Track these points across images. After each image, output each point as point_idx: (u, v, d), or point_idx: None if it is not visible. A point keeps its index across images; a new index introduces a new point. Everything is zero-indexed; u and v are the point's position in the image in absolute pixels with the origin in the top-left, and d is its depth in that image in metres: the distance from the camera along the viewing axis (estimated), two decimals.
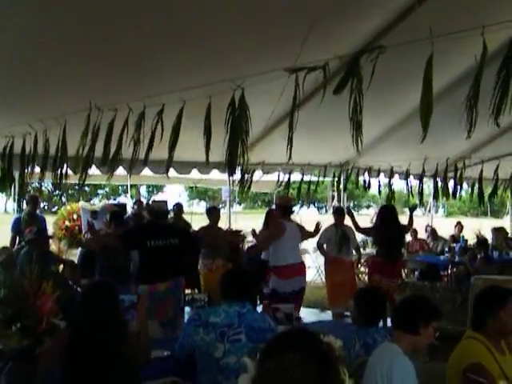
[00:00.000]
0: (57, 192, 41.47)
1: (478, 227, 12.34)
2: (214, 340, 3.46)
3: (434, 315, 3.18)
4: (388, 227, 7.88)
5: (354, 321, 4.23)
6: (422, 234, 13.06)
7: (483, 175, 10.55)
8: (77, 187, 32.24)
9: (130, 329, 3.56)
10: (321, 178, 10.78)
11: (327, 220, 9.17)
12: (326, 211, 31.90)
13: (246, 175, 8.10)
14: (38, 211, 9.12)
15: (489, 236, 11.84)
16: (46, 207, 39.25)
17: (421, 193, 11.27)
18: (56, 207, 34.81)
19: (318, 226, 8.00)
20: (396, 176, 11.20)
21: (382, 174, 11.21)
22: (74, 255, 10.17)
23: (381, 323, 4.24)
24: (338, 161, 10.61)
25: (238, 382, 1.87)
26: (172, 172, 6.94)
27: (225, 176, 10.13)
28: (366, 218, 15.18)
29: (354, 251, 8.90)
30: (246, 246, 10.09)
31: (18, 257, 6.99)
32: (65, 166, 6.08)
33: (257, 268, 7.38)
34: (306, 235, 7.78)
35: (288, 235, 6.98)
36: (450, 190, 10.86)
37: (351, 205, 48.32)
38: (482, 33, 3.52)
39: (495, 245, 11.48)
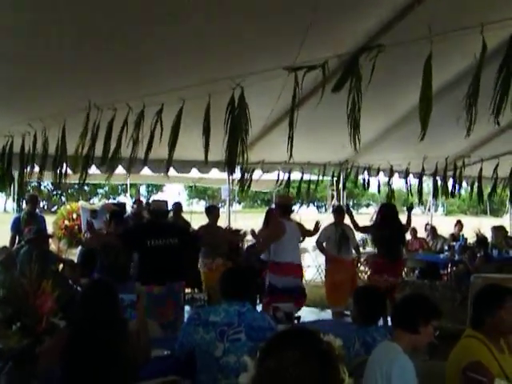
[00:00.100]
0: (56, 191, 41.45)
1: (478, 226, 12.34)
2: (213, 339, 3.47)
3: (434, 314, 3.18)
4: (388, 226, 7.89)
5: (354, 320, 4.23)
6: (421, 233, 13.07)
7: (483, 174, 10.56)
8: (76, 186, 32.28)
9: (129, 328, 3.56)
10: (320, 177, 10.78)
11: (327, 219, 9.17)
12: (326, 210, 31.93)
13: (245, 174, 8.11)
14: (37, 211, 9.12)
15: (488, 234, 11.84)
16: (45, 207, 39.26)
17: (420, 191, 11.27)
18: (55, 207, 34.82)
19: (317, 224, 8.00)
20: (396, 175, 11.20)
21: (381, 173, 11.21)
22: (74, 254, 10.18)
23: (381, 322, 4.24)
24: (338, 160, 10.60)
25: (239, 381, 1.87)
26: (171, 171, 6.94)
27: (224, 175, 10.13)
28: (366, 216, 15.19)
29: (353, 250, 8.90)
30: (246, 245, 10.08)
31: (17, 256, 7.00)
32: (64, 165, 6.08)
33: (255, 266, 7.39)
34: (306, 234, 7.80)
35: (288, 235, 6.98)
36: (450, 189, 10.86)
37: (351, 204, 48.48)
38: (481, 31, 3.52)
39: (495, 243, 11.48)
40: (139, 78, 5.49)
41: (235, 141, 4.61)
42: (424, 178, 11.35)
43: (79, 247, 9.56)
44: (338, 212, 8.82)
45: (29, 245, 7.03)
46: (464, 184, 11.91)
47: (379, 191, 12.36)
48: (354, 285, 8.21)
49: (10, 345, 3.16)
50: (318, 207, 48.04)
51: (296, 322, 5.16)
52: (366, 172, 10.97)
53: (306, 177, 10.55)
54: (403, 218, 8.52)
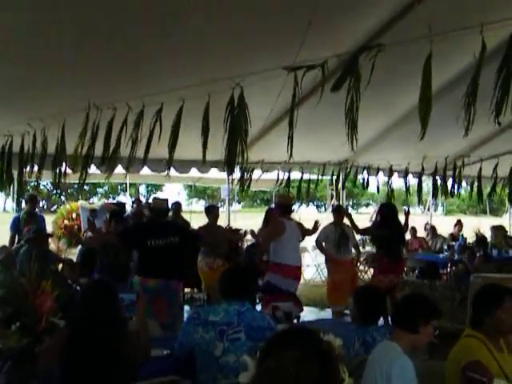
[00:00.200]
0: (56, 191, 41.44)
1: (477, 225, 12.35)
2: (213, 338, 3.47)
3: (434, 314, 3.19)
4: (388, 226, 7.88)
5: (354, 319, 4.23)
6: (421, 233, 13.07)
7: (482, 173, 10.56)
8: (76, 186, 32.29)
9: (129, 327, 3.56)
10: (320, 177, 10.78)
11: (326, 218, 9.18)
12: (325, 210, 31.95)
13: (245, 174, 8.11)
14: (36, 210, 9.13)
15: (488, 234, 11.85)
16: (45, 206, 39.26)
17: (419, 191, 11.26)
18: (55, 206, 34.85)
19: (316, 224, 8.01)
20: (395, 174, 11.19)
21: (380, 173, 11.21)
22: (73, 254, 10.18)
23: (381, 321, 4.25)
24: (337, 159, 10.60)
25: (239, 380, 1.87)
26: (171, 170, 6.93)
27: (224, 175, 10.13)
28: (366, 216, 15.20)
29: (353, 250, 8.90)
30: (245, 244, 10.09)
31: (17, 256, 7.00)
32: (63, 164, 6.08)
33: (259, 267, 7.39)
34: (305, 233, 7.80)
35: (288, 234, 7.00)
36: (449, 189, 10.85)
37: (350, 203, 48.53)
38: (480, 31, 3.52)
39: (494, 243, 11.49)
40: (139, 77, 5.48)
41: (235, 140, 4.61)
42: (423, 177, 11.35)
43: (79, 247, 9.57)
44: (338, 211, 8.82)
45: (28, 244, 7.03)
46: (464, 184, 11.91)
47: (378, 191, 12.37)
48: (353, 284, 8.22)
49: (10, 344, 3.16)
50: (317, 207, 48.07)
51: (295, 321, 5.16)
52: (365, 171, 10.97)
53: (306, 176, 10.55)
54: (403, 218, 8.51)
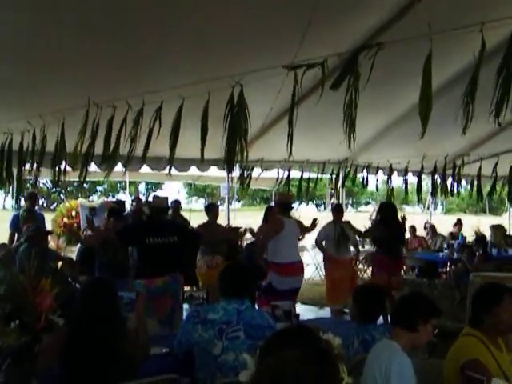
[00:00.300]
0: (55, 189, 41.43)
1: (477, 224, 12.36)
2: (212, 337, 3.47)
3: (433, 312, 3.19)
4: (388, 225, 7.88)
5: (353, 318, 4.23)
6: (420, 231, 13.08)
7: (482, 172, 10.56)
8: (75, 184, 32.26)
9: (128, 325, 3.56)
10: (319, 175, 10.79)
11: (326, 217, 9.18)
12: (325, 208, 31.94)
13: (245, 172, 8.12)
14: (36, 208, 9.13)
15: (487, 233, 11.85)
16: (44, 204, 39.25)
17: (419, 190, 11.27)
18: (55, 204, 34.84)
19: (314, 221, 8.02)
20: (395, 173, 11.20)
21: (380, 171, 11.21)
22: (73, 252, 10.18)
23: (381, 320, 4.25)
24: (337, 158, 10.61)
25: (239, 379, 1.87)
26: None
27: (223, 173, 10.13)
28: (365, 214, 15.20)
29: (352, 248, 8.91)
30: (245, 243, 10.09)
31: (16, 253, 7.00)
32: (63, 162, 6.08)
33: (262, 267, 7.39)
34: (304, 231, 7.81)
35: (287, 232, 7.00)
36: (449, 187, 10.86)
37: (350, 202, 48.53)
38: (480, 29, 3.52)
39: (494, 242, 11.50)
40: (139, 75, 5.48)
41: (234, 139, 4.61)
42: (423, 176, 11.35)
43: (78, 245, 9.57)
44: (337, 210, 8.83)
45: (28, 242, 7.03)
46: (463, 182, 11.91)
47: (377, 189, 12.38)
48: (353, 283, 8.22)
49: (9, 342, 3.15)
50: (317, 205, 48.03)
51: (295, 320, 5.16)
52: (365, 170, 10.98)
53: (306, 175, 10.56)
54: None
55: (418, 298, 3.33)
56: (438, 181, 10.99)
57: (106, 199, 21.73)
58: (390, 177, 11.04)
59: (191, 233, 7.12)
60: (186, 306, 5.93)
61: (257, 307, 6.94)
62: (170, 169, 5.89)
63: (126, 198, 17.09)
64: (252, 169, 9.04)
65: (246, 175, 8.35)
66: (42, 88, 5.66)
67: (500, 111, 3.45)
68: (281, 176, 10.11)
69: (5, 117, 6.30)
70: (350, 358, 3.43)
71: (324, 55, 4.15)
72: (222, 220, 9.01)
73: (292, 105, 4.35)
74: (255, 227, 8.74)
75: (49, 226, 11.39)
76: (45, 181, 34.42)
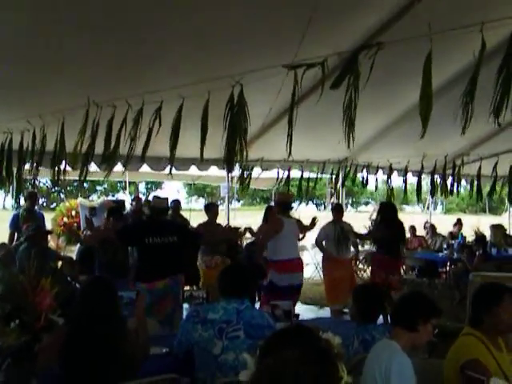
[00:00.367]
0: (55, 188, 41.42)
1: (477, 224, 12.36)
2: (212, 337, 3.47)
3: (433, 312, 3.19)
4: (388, 225, 7.88)
5: (353, 318, 4.23)
6: (420, 231, 13.09)
7: (482, 172, 10.56)
8: (75, 184, 32.27)
9: (128, 325, 3.56)
10: (319, 175, 10.79)
11: (325, 217, 9.19)
12: (325, 208, 31.96)
13: (245, 172, 8.12)
14: (36, 208, 9.13)
15: (487, 233, 11.85)
16: (44, 204, 39.24)
17: (419, 190, 11.27)
18: (54, 204, 34.81)
19: (314, 220, 8.02)
20: (395, 173, 11.19)
21: (380, 171, 11.21)
22: (73, 252, 10.18)
23: (381, 320, 4.24)
24: (337, 157, 10.61)
25: (239, 378, 1.88)
26: None
27: (223, 173, 10.14)
28: (365, 214, 15.20)
29: (352, 248, 8.92)
30: (245, 242, 10.10)
31: (16, 253, 7.00)
32: (63, 162, 6.08)
33: (262, 266, 7.39)
34: (304, 230, 7.82)
35: (286, 232, 7.01)
36: (449, 187, 10.86)
37: (349, 201, 48.51)
38: (480, 29, 3.51)
39: (494, 242, 11.50)
40: (139, 75, 5.48)
41: (234, 138, 4.61)
42: (423, 176, 11.35)
43: (78, 244, 9.57)
44: (337, 210, 8.84)
45: (28, 242, 7.03)
46: (463, 182, 11.91)
47: (376, 189, 12.37)
48: (352, 283, 8.23)
49: (9, 342, 3.15)
50: (317, 205, 48.03)
51: (295, 319, 5.16)
52: (364, 170, 10.98)
53: (305, 175, 10.56)
54: (402, 216, 8.52)
55: (417, 298, 3.33)
56: (438, 180, 10.99)
57: (105, 199, 21.71)
58: (389, 176, 11.04)
59: (191, 232, 7.12)
60: (185, 305, 5.92)
61: (259, 306, 6.97)
62: (170, 168, 5.89)
63: (125, 197, 17.09)
64: (252, 168, 9.04)
65: (245, 175, 8.36)
66: (42, 88, 5.67)
67: (500, 111, 3.45)
68: (281, 176, 10.11)
69: (5, 116, 6.30)
70: (349, 358, 3.43)
71: (324, 55, 4.14)
72: (221, 220, 9.01)
73: (292, 104, 4.35)
74: (255, 227, 8.74)
75: (49, 226, 11.37)
76: (45, 180, 34.44)
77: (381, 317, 4.32)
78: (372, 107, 6.70)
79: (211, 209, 8.14)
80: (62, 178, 6.27)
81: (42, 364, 3.21)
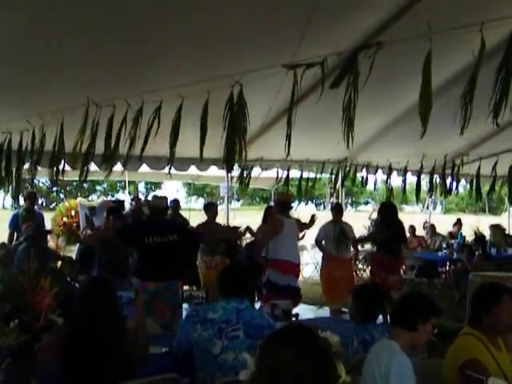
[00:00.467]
0: (55, 188, 41.41)
1: (476, 224, 12.37)
2: (212, 336, 3.47)
3: (433, 312, 3.19)
4: (388, 226, 7.87)
5: (352, 317, 4.23)
6: (420, 231, 13.09)
7: (481, 172, 10.57)
8: (75, 184, 32.26)
9: (127, 325, 3.56)
10: (319, 175, 10.78)
11: (325, 216, 9.19)
12: (324, 208, 31.96)
13: (244, 172, 8.12)
14: (35, 207, 9.13)
15: (487, 233, 11.86)
16: (43, 203, 39.24)
17: (418, 189, 11.26)
18: (54, 204, 34.81)
19: (312, 217, 8.02)
20: (394, 172, 11.19)
21: (379, 171, 11.21)
22: (72, 251, 10.18)
23: (381, 319, 4.24)
24: (337, 157, 10.60)
25: (239, 378, 1.88)
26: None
27: (223, 172, 10.11)
28: (365, 214, 15.21)
29: (352, 248, 8.92)
30: (244, 242, 10.10)
31: (15, 253, 7.00)
32: (62, 162, 6.08)
33: (261, 264, 7.40)
34: (302, 228, 7.83)
35: (286, 232, 7.02)
36: (447, 187, 10.85)
37: (349, 201, 48.53)
38: (480, 29, 3.52)
39: (493, 241, 11.51)
40: (138, 75, 5.48)
41: (233, 138, 4.61)
42: (422, 176, 11.35)
43: (77, 244, 9.57)
44: (337, 209, 8.84)
45: (27, 242, 7.03)
46: (463, 182, 11.91)
47: (375, 189, 12.37)
48: (352, 282, 8.23)
49: (8, 341, 3.15)
50: (316, 205, 48.05)
51: (294, 319, 5.17)
52: (364, 170, 10.98)
53: (305, 174, 10.55)
54: (402, 216, 8.52)
55: (417, 298, 3.33)
56: (438, 180, 10.99)
57: (105, 199, 21.73)
58: (389, 176, 11.04)
59: (191, 232, 7.13)
60: (185, 305, 5.93)
61: (260, 304, 6.98)
62: (169, 168, 5.89)
63: (125, 197, 17.09)
64: (251, 168, 9.05)
65: (245, 174, 8.36)
66: (42, 87, 5.66)
67: (498, 111, 3.45)
68: (280, 175, 10.10)
69: (4, 116, 6.30)
70: (349, 358, 3.44)
71: (323, 54, 4.15)
72: (221, 219, 9.02)
73: (291, 104, 4.35)
74: (255, 227, 8.74)
75: (48, 226, 11.37)
76: (44, 180, 34.41)
77: (380, 316, 4.32)
78: (371, 107, 6.70)
79: (210, 209, 8.15)
80: (60, 177, 6.27)
81: (42, 364, 3.21)
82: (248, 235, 8.97)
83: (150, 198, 8.92)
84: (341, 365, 1.80)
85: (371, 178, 11.29)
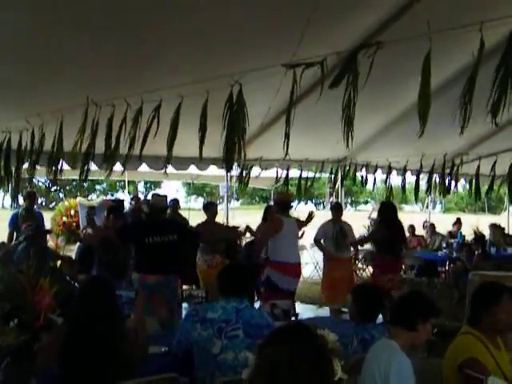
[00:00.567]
0: (54, 188, 41.41)
1: (476, 223, 12.38)
2: (211, 336, 3.47)
3: (432, 312, 3.19)
4: (388, 225, 7.87)
5: (352, 317, 4.23)
6: (419, 230, 13.09)
7: (480, 171, 10.57)
8: (74, 183, 32.28)
9: (127, 324, 3.56)
10: (318, 174, 10.78)
11: (325, 216, 9.19)
12: (324, 207, 31.96)
13: (244, 171, 8.12)
14: (35, 207, 9.12)
15: (486, 232, 11.86)
16: (43, 203, 39.22)
17: (417, 189, 11.26)
18: (53, 203, 34.79)
19: (310, 214, 8.01)
20: (394, 172, 11.20)
21: (379, 170, 11.21)
22: (72, 251, 10.17)
23: (380, 319, 4.24)
24: (337, 157, 10.61)
25: (242, 377, 1.89)
26: (169, 168, 6.93)
27: (222, 172, 10.12)
28: (364, 213, 15.21)
29: (351, 247, 8.92)
30: (244, 241, 10.10)
31: (15, 253, 6.99)
32: (61, 161, 6.08)
33: (260, 264, 7.41)
34: (301, 225, 7.84)
35: (286, 231, 7.01)
36: (446, 186, 10.85)
37: (349, 201, 48.54)
38: (479, 29, 3.52)
39: (493, 241, 11.52)
40: (138, 75, 5.48)
41: (233, 138, 4.61)
42: (422, 175, 11.35)
43: (77, 244, 9.56)
44: (336, 209, 8.83)
45: (27, 241, 7.03)
46: (462, 181, 11.92)
47: (374, 188, 12.37)
48: (351, 282, 8.23)
49: (8, 341, 3.15)
50: (316, 204, 48.07)
51: (294, 319, 5.17)
52: (364, 169, 10.98)
53: (304, 174, 10.55)
54: (402, 215, 8.52)
55: (416, 297, 3.33)
56: (437, 180, 10.99)
57: (105, 198, 21.71)
58: (388, 176, 11.04)
59: (191, 231, 7.13)
60: (185, 304, 5.94)
61: (260, 303, 6.98)
62: (166, 167, 5.88)
63: (124, 196, 17.09)
64: (251, 168, 9.05)
65: (244, 174, 8.36)
66: (42, 87, 5.67)
67: (497, 111, 3.45)
68: (279, 175, 10.10)
69: (4, 116, 6.30)
70: (349, 357, 3.43)
71: (323, 54, 4.14)
72: (220, 219, 9.02)
73: (290, 104, 4.35)
74: (254, 226, 8.75)
75: (48, 225, 11.36)
76: (44, 179, 34.41)
77: (380, 316, 4.32)
78: (371, 106, 6.70)
79: (210, 208, 8.15)
80: (59, 177, 6.27)
81: (41, 363, 3.21)
82: (248, 235, 8.97)
83: (149, 197, 8.92)
84: (337, 361, 1.81)
85: (371, 177, 11.30)
